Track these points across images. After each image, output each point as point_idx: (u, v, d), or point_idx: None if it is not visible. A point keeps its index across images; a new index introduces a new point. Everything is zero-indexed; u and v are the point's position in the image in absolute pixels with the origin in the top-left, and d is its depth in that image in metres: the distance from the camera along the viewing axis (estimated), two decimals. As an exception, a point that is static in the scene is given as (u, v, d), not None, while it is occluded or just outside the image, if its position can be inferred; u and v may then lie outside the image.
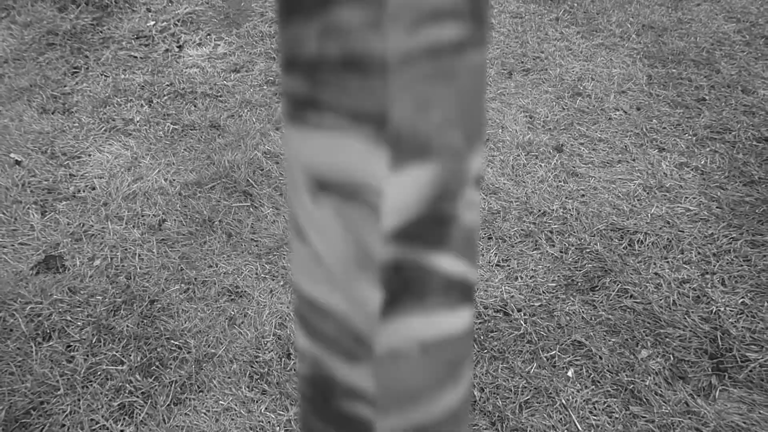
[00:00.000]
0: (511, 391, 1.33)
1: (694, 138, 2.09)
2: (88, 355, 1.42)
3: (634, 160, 2.01)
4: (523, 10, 2.79)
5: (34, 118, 2.17)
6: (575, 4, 2.83)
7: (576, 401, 1.31)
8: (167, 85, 2.33)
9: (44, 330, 1.49)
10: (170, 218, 1.80)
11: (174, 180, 1.93)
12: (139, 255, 1.69)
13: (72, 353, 1.43)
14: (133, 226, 1.78)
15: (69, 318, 1.52)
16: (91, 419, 1.29)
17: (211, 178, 1.93)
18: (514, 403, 1.32)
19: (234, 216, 1.81)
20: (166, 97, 2.28)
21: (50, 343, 1.45)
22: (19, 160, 1.99)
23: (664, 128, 2.14)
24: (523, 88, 2.31)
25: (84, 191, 1.90)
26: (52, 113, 2.20)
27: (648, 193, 1.88)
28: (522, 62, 2.45)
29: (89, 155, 2.03)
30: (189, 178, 1.94)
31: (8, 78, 2.34)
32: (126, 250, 1.71)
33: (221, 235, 1.75)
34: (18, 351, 1.43)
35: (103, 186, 1.91)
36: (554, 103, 2.24)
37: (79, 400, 1.32)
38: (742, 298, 1.56)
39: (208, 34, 2.63)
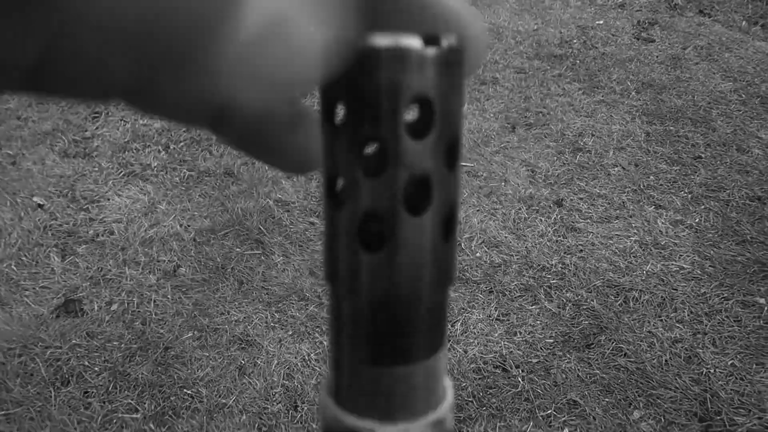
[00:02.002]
0: (507, 449, 1.39)
1: (690, 195, 2.17)
2: (104, 402, 1.48)
3: (631, 216, 2.09)
4: (527, 66, 2.90)
5: (56, 162, 2.26)
6: (578, 61, 2.94)
7: (570, 460, 1.37)
8: (183, 132, 2.43)
9: (63, 375, 1.56)
10: (185, 264, 1.88)
11: (189, 226, 2.02)
12: (155, 301, 1.77)
13: (89, 399, 1.50)
14: (149, 272, 1.86)
15: (87, 363, 1.59)
16: (107, 466, 1.35)
17: (225, 225, 2.02)
18: (510, 460, 1.38)
19: (246, 263, 1.89)
20: (182, 143, 2.38)
21: (68, 389, 1.52)
22: (42, 203, 2.08)
23: (661, 185, 2.22)
24: (525, 142, 2.40)
25: (103, 235, 1.98)
26: (73, 157, 2.29)
27: (644, 250, 1.96)
28: (525, 117, 2.54)
29: (108, 199, 2.12)
30: (203, 225, 2.02)
31: (32, 122, 2.44)
32: (142, 295, 1.78)
33: (233, 283, 1.83)
34: (38, 396, 1.50)
35: (121, 231, 1.99)
36: (555, 158, 2.33)
37: (95, 446, 1.39)
38: (732, 359, 1.62)
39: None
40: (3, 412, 1.45)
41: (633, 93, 2.69)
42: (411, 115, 0.15)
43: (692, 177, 2.25)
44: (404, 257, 0.15)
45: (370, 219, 0.15)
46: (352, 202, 0.15)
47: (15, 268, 1.85)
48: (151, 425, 1.43)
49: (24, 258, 1.88)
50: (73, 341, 1.63)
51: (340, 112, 0.15)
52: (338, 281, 0.16)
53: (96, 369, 1.57)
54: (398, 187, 0.15)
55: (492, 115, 2.56)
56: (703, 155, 2.36)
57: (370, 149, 0.15)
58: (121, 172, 2.24)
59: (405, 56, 0.14)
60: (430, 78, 0.14)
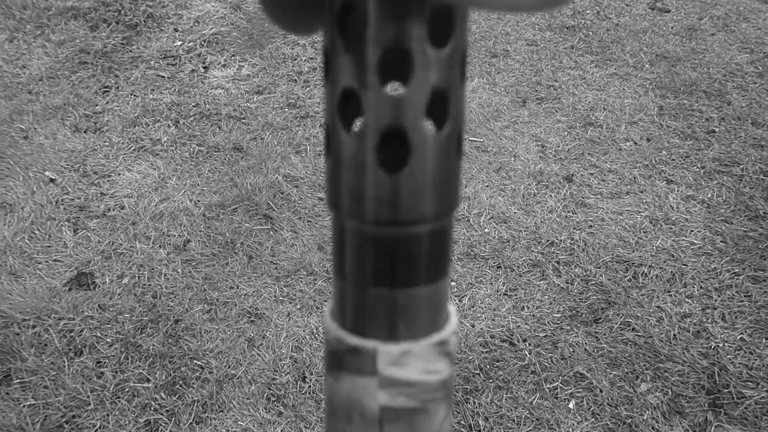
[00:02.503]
0: (514, 421, 1.41)
1: (702, 171, 2.14)
2: (116, 372, 1.51)
3: (642, 191, 2.07)
4: (539, 38, 2.86)
5: (67, 136, 2.27)
6: (590, 33, 2.89)
7: (575, 432, 1.38)
8: (193, 106, 2.43)
9: (76, 345, 1.58)
10: (194, 239, 1.90)
11: (198, 201, 2.03)
12: (165, 275, 1.78)
13: (102, 369, 1.52)
14: (160, 246, 1.87)
15: (99, 334, 1.61)
16: (120, 434, 1.38)
17: (234, 200, 2.03)
18: None
19: (255, 239, 1.90)
20: (192, 118, 2.38)
21: (81, 359, 1.55)
22: (54, 177, 2.10)
23: (673, 160, 2.19)
24: (536, 117, 2.38)
25: (114, 210, 2.00)
26: (84, 132, 2.30)
27: (654, 226, 1.94)
28: (536, 91, 2.51)
29: (119, 174, 2.13)
30: (213, 200, 2.03)
31: (43, 96, 2.45)
32: (152, 269, 1.80)
33: (242, 257, 1.84)
34: (52, 365, 1.53)
35: (132, 205, 2.01)
36: (566, 133, 2.30)
37: (108, 415, 1.41)
38: (741, 334, 1.61)
39: (233, 55, 2.73)
40: (18, 381, 1.48)
41: (646, 65, 2.65)
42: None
43: (705, 152, 2.22)
44: (434, 171, 0.15)
45: (394, 133, 0.15)
46: (370, 117, 0.15)
47: (28, 242, 1.87)
48: (162, 394, 1.45)
49: (37, 232, 1.91)
50: (86, 313, 1.66)
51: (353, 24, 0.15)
52: (343, 206, 0.16)
53: (108, 340, 1.59)
54: (422, 98, 0.14)
55: (502, 89, 2.53)
56: (717, 129, 2.32)
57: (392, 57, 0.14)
58: (132, 147, 2.24)
59: None
60: None
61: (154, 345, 1.58)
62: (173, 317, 1.66)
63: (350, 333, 0.17)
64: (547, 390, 1.48)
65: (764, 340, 1.59)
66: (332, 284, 0.18)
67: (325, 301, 1.71)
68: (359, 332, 0.17)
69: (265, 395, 1.46)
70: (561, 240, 1.89)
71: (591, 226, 1.94)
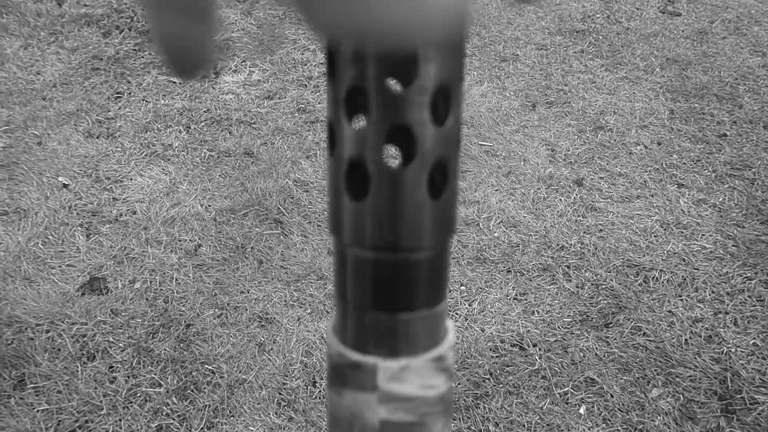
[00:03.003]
0: (524, 426, 1.40)
1: (714, 174, 2.13)
2: (129, 377, 1.53)
3: (652, 195, 2.06)
4: (549, 41, 2.86)
5: (80, 142, 2.30)
6: (600, 37, 2.89)
7: (586, 438, 1.38)
8: (204, 112, 2.45)
9: (89, 350, 1.60)
10: (205, 244, 1.91)
11: (209, 206, 2.04)
12: (176, 279, 1.80)
13: (114, 374, 1.54)
14: (171, 251, 1.89)
15: (111, 339, 1.63)
16: (132, 438, 1.39)
17: (245, 205, 2.04)
18: (526, 437, 1.39)
19: (265, 243, 1.91)
20: (203, 124, 2.40)
21: (94, 363, 1.57)
22: (67, 183, 2.13)
23: (684, 164, 2.18)
24: (546, 120, 2.38)
25: (126, 215, 2.02)
26: (97, 137, 2.33)
27: (665, 230, 1.93)
28: (546, 95, 2.51)
29: (131, 179, 2.15)
30: (223, 205, 2.04)
31: (56, 102, 2.48)
32: (164, 274, 1.82)
33: (253, 262, 1.85)
34: (65, 370, 1.54)
35: (144, 210, 2.03)
36: (576, 137, 2.30)
37: (120, 420, 1.43)
38: (754, 339, 1.60)
39: (243, 61, 2.75)
40: (32, 386, 1.50)
41: (657, 69, 2.64)
42: (396, 64, 0.15)
43: (717, 155, 2.21)
44: (394, 208, 0.15)
45: (356, 168, 0.15)
46: (341, 148, 0.15)
47: (42, 247, 1.89)
48: (174, 399, 1.46)
49: (50, 237, 1.93)
50: (98, 318, 1.67)
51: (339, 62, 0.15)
52: (342, 232, 0.16)
53: (120, 345, 1.61)
54: (380, 135, 0.15)
55: (512, 93, 2.53)
56: (728, 133, 2.31)
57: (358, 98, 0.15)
58: (144, 152, 2.27)
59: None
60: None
61: (165, 350, 1.59)
62: (185, 322, 1.67)
63: (351, 349, 0.17)
64: (558, 395, 1.47)
65: (777, 346, 1.58)
66: (334, 302, 0.18)
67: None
68: (360, 349, 0.17)
69: (276, 400, 1.46)
70: (571, 244, 1.88)
71: (601, 230, 1.93)
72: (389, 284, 0.17)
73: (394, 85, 0.15)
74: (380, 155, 0.15)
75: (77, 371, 1.54)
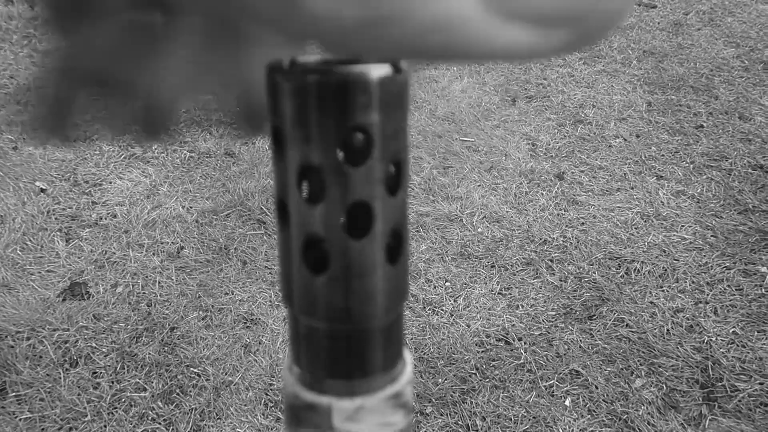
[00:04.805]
0: (511, 420, 1.41)
1: (692, 166, 2.16)
2: (113, 382, 1.51)
3: (632, 188, 2.08)
4: (527, 36, 2.87)
5: (57, 146, 2.26)
6: (578, 30, 2.91)
7: (573, 431, 1.39)
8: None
9: (71, 357, 1.58)
10: (188, 246, 1.90)
11: (191, 207, 2.02)
12: (159, 282, 1.78)
13: (98, 380, 1.52)
14: (153, 254, 1.87)
15: (94, 345, 1.61)
16: (118, 444, 1.38)
17: (227, 206, 2.02)
18: None
19: (248, 244, 1.90)
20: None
21: (77, 370, 1.55)
22: (44, 188, 2.09)
23: (663, 156, 2.21)
24: (526, 115, 2.39)
25: (106, 218, 1.99)
26: (74, 141, 2.29)
27: (645, 222, 1.96)
28: (525, 89, 2.53)
29: (110, 183, 2.12)
30: (205, 206, 2.03)
31: (31, 107, 2.44)
32: (146, 277, 1.80)
33: (236, 263, 1.84)
34: (47, 377, 1.52)
35: (124, 213, 2.00)
36: (556, 131, 2.31)
37: (105, 426, 1.41)
38: (734, 327, 1.63)
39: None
40: (14, 394, 1.48)
41: (634, 62, 2.67)
42: (350, 142, 0.15)
43: (694, 147, 2.24)
44: (351, 280, 0.16)
45: (313, 243, 0.15)
46: (296, 224, 0.16)
47: (20, 253, 1.86)
48: (159, 403, 1.45)
49: (29, 243, 1.90)
50: (80, 323, 1.65)
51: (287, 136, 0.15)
52: (294, 303, 0.17)
53: (103, 350, 1.59)
54: (336, 212, 0.15)
55: (492, 88, 2.54)
56: (705, 124, 2.34)
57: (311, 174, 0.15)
58: (122, 155, 2.24)
59: (346, 86, 0.14)
60: (369, 106, 0.14)
61: (150, 354, 1.58)
62: (168, 325, 1.65)
63: (306, 389, 0.17)
64: (543, 388, 1.48)
65: (756, 333, 1.61)
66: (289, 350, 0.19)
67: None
68: (315, 389, 0.17)
69: (263, 401, 1.46)
70: (554, 238, 1.90)
71: (583, 223, 1.95)
72: (342, 355, 0.17)
73: (346, 162, 0.15)
74: (337, 232, 0.15)
75: (60, 378, 1.52)
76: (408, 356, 0.19)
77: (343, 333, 0.16)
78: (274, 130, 0.16)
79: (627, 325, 1.64)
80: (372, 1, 0.09)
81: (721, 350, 1.56)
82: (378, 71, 0.14)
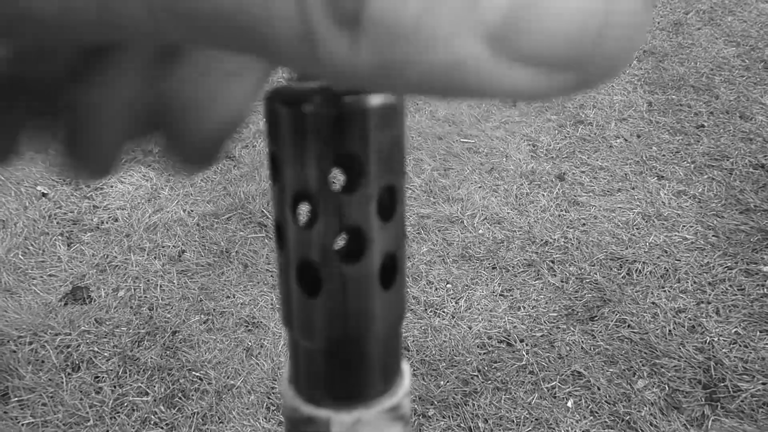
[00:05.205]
0: (513, 422, 1.41)
1: (693, 165, 2.16)
2: (115, 387, 1.51)
3: (633, 188, 2.08)
4: (527, 37, 2.87)
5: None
6: (578, 31, 2.91)
7: (574, 432, 1.39)
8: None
9: (73, 361, 1.58)
10: (189, 249, 1.90)
11: (192, 211, 2.03)
12: (161, 286, 1.78)
13: (100, 384, 1.52)
14: (155, 258, 1.87)
15: (96, 349, 1.61)
16: (120, 448, 1.38)
17: (228, 209, 2.03)
18: (516, 432, 1.40)
19: (249, 247, 1.90)
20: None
21: (79, 374, 1.55)
22: (46, 192, 2.10)
23: (664, 156, 2.21)
24: (526, 116, 2.39)
25: (107, 222, 1.99)
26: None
27: (647, 222, 1.96)
28: (525, 90, 2.52)
29: (111, 186, 2.13)
30: (206, 209, 2.03)
31: None
32: (148, 281, 1.80)
33: (238, 266, 1.84)
34: (50, 382, 1.52)
35: (125, 217, 2.01)
36: (557, 132, 2.31)
37: (107, 431, 1.41)
38: (736, 327, 1.63)
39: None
40: (16, 399, 1.48)
41: (634, 62, 2.66)
42: (344, 169, 0.15)
43: (695, 146, 2.24)
44: (346, 305, 0.16)
45: (308, 267, 0.16)
46: (291, 249, 0.16)
47: (22, 257, 1.87)
48: (162, 407, 1.45)
49: (30, 247, 1.90)
50: (82, 328, 1.65)
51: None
52: (292, 326, 0.17)
53: (105, 354, 1.59)
54: (329, 238, 0.15)
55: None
56: (705, 124, 2.34)
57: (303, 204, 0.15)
58: (123, 158, 2.24)
59: (341, 115, 0.14)
60: (364, 135, 0.15)
61: (152, 358, 1.58)
62: (170, 329, 1.66)
63: (305, 401, 0.18)
64: (546, 389, 1.48)
65: (758, 333, 1.61)
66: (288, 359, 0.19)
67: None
68: (313, 401, 0.17)
69: (265, 404, 1.46)
70: (555, 239, 1.89)
71: (584, 224, 1.95)
72: (341, 378, 0.17)
73: (339, 189, 0.15)
74: (331, 258, 0.15)
75: (62, 383, 1.52)
76: (406, 367, 0.19)
77: (340, 356, 0.17)
78: (271, 155, 0.16)
79: (629, 326, 1.64)
80: (386, 49, 0.10)
81: (724, 350, 1.56)
82: (374, 100, 0.15)
